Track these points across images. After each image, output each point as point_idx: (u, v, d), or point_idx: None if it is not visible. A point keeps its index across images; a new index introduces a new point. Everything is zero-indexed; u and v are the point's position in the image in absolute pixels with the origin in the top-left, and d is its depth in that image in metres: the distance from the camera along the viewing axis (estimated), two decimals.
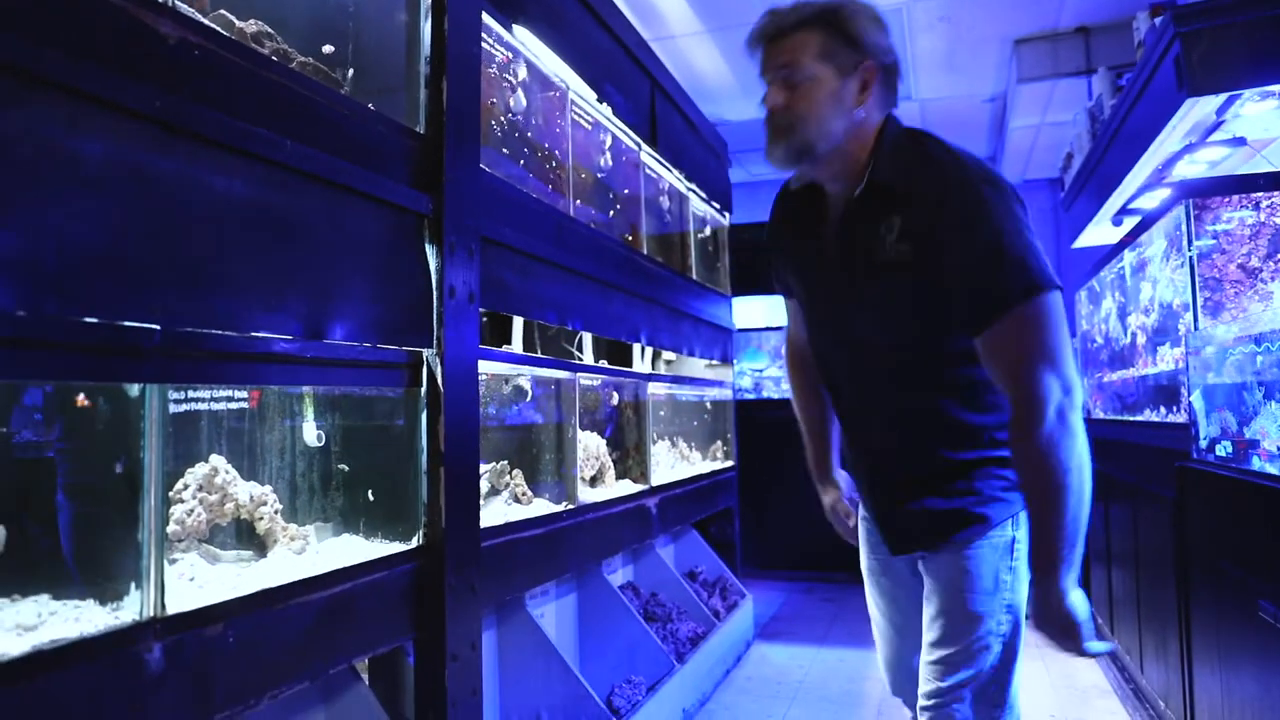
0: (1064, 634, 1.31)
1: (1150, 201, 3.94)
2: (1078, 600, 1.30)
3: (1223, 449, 2.07)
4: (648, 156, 3.59)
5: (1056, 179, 6.67)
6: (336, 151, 1.66)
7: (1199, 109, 2.69)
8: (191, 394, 1.60)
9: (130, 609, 1.26)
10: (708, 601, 3.87)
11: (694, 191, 4.17)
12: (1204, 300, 2.40)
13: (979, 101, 5.56)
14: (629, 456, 3.45)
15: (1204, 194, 2.42)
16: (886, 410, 1.51)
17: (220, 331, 1.40)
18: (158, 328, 1.29)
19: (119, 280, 1.22)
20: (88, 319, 1.18)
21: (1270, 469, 1.82)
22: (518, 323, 3.00)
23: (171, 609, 1.29)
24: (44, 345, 1.14)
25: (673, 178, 3.92)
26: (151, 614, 1.26)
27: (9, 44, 1.08)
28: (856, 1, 1.41)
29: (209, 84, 1.39)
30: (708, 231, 4.55)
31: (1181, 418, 2.51)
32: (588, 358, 3.59)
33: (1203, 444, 2.20)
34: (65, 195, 1.15)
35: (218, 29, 1.47)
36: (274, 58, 1.67)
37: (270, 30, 1.74)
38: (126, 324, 1.24)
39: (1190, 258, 2.41)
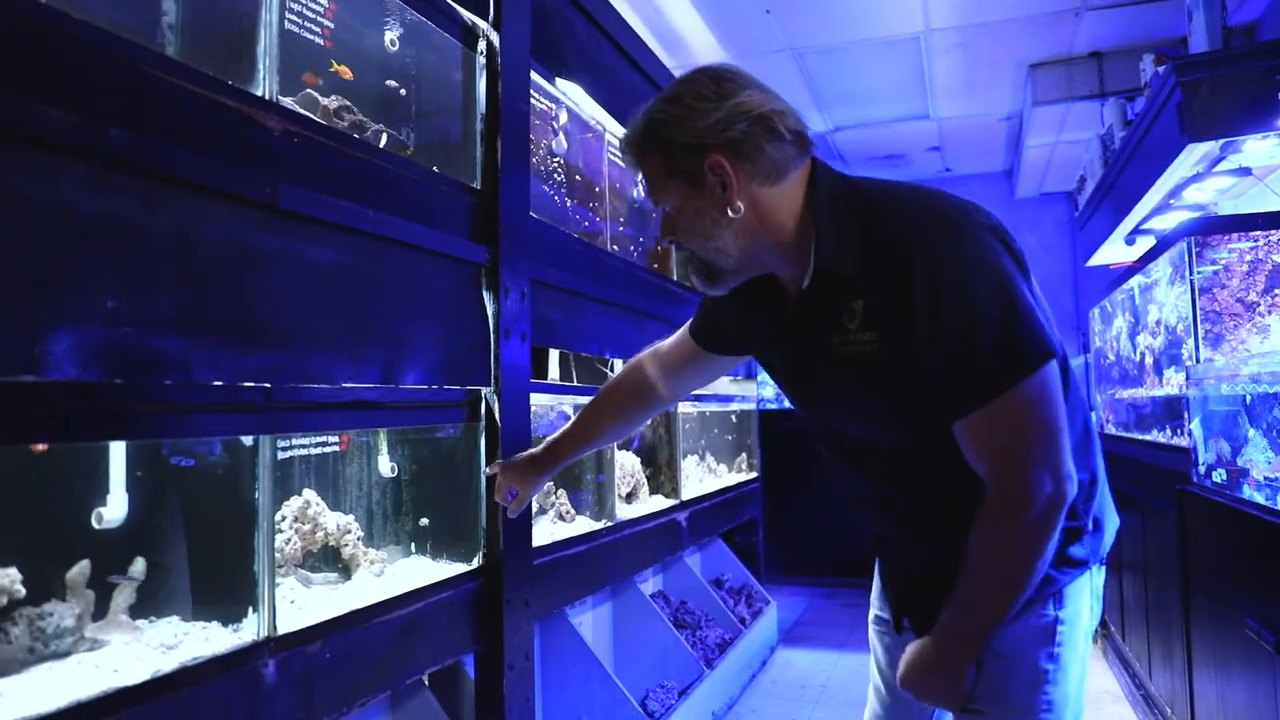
0: (940, 697, 1.24)
1: (1162, 223, 4.09)
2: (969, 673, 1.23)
3: (1218, 475, 2.24)
4: None
5: (1072, 192, 6.80)
6: (407, 214, 1.85)
7: (1202, 146, 2.85)
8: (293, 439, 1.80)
9: (249, 629, 1.46)
10: (734, 609, 4.05)
11: None
12: (1204, 332, 2.56)
13: (995, 120, 5.70)
14: (661, 472, 3.64)
15: (1206, 232, 2.57)
16: (889, 502, 1.32)
17: (316, 385, 1.59)
18: (268, 386, 1.49)
19: (239, 347, 1.42)
20: (215, 383, 1.38)
21: (1258, 498, 1.99)
22: (554, 350, 3.19)
23: (281, 629, 1.49)
24: (187, 409, 1.34)
25: None
26: (266, 634, 1.46)
27: (156, 151, 1.28)
28: (676, 89, 1.21)
29: (306, 167, 1.59)
30: None
31: (1184, 441, 2.67)
32: None
33: (1201, 469, 2.36)
34: (196, 278, 1.35)
35: (311, 116, 1.67)
36: (354, 133, 1.87)
37: (348, 103, 1.93)
38: (245, 385, 1.44)
39: (1192, 293, 2.57)
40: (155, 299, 1.27)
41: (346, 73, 1.93)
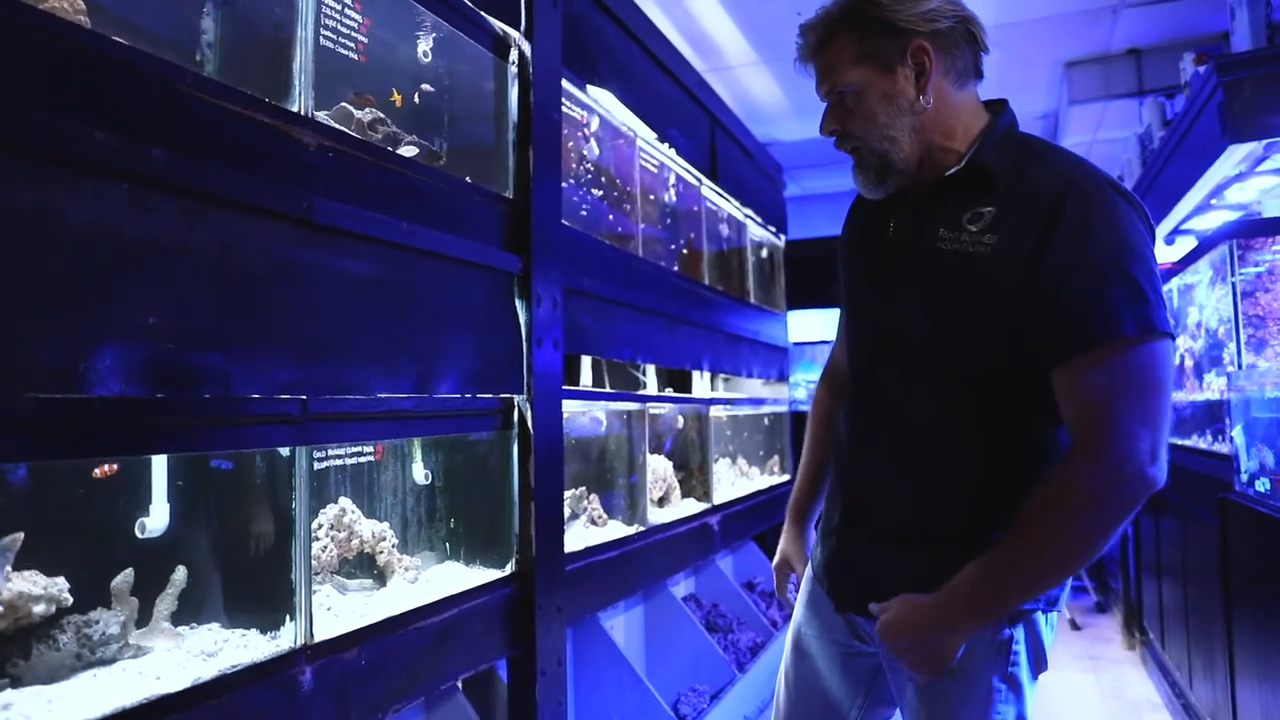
0: (922, 664, 1.17)
1: (1203, 223, 4.01)
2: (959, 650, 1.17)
3: (1261, 485, 2.19)
4: (708, 190, 3.77)
5: None
6: (441, 225, 1.87)
7: (1244, 146, 2.79)
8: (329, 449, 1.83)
9: (287, 637, 1.48)
10: (766, 612, 4.04)
11: (751, 218, 4.34)
12: (1247, 336, 2.51)
13: (1031, 119, 5.63)
14: (693, 476, 3.64)
15: (1249, 235, 2.52)
16: (906, 434, 1.27)
17: (351, 396, 1.62)
18: (304, 398, 1.51)
19: (276, 360, 1.44)
20: (253, 396, 1.41)
21: None
22: (586, 356, 3.21)
23: (318, 636, 1.51)
24: (226, 422, 1.37)
25: (731, 207, 4.09)
26: (303, 641, 1.48)
27: (195, 169, 1.30)
28: None
29: (341, 181, 1.61)
30: (764, 254, 4.72)
31: (1225, 447, 2.62)
32: (650, 380, 3.79)
33: (1244, 478, 2.32)
34: (234, 293, 1.37)
35: (346, 130, 1.69)
36: (388, 145, 1.89)
37: (382, 115, 1.95)
38: (282, 397, 1.46)
39: (1234, 297, 2.52)
40: (194, 315, 1.30)
41: (399, 100, 1.99)
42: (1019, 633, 1.22)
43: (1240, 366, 2.49)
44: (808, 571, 1.52)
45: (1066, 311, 1.07)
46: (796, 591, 1.61)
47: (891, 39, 1.18)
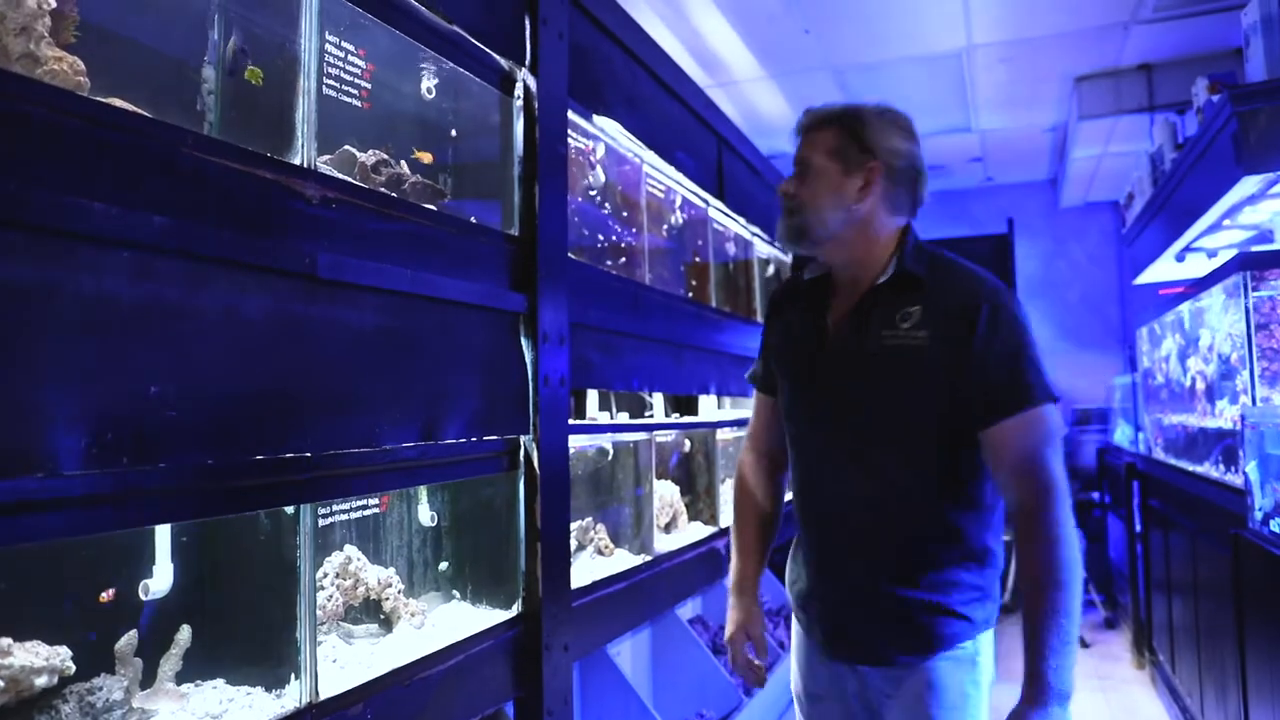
0: None
1: (1214, 241, 3.98)
2: None
3: (1277, 525, 2.17)
4: (715, 211, 3.75)
5: (1119, 203, 6.65)
6: (446, 269, 1.85)
7: (1258, 175, 2.76)
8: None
9: (291, 696, 1.47)
10: (772, 632, 4.02)
11: (758, 235, 4.32)
12: (1261, 370, 2.48)
13: (1039, 131, 5.60)
14: (700, 499, 3.63)
15: (1262, 266, 2.50)
16: (868, 493, 1.54)
17: (358, 450, 1.60)
18: (309, 455, 1.50)
19: (280, 418, 1.43)
20: (258, 457, 1.39)
21: None
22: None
23: (323, 693, 1.50)
24: (230, 487, 1.35)
25: (738, 226, 4.07)
26: (308, 700, 1.47)
27: (197, 233, 1.29)
28: (885, 110, 1.57)
29: (344, 232, 1.59)
30: (771, 270, 4.70)
31: (1237, 479, 2.60)
32: (657, 401, 3.77)
33: (1258, 515, 2.29)
34: (238, 354, 1.36)
35: (349, 180, 1.68)
36: (392, 188, 1.88)
37: (386, 156, 1.94)
38: (286, 456, 1.45)
39: (1248, 329, 2.50)
40: (197, 380, 1.29)
41: (427, 158, 1.98)
42: (978, 645, 1.53)
43: (1254, 401, 2.46)
44: (795, 631, 1.75)
45: (995, 389, 1.43)
46: (754, 654, 1.79)
47: (859, 153, 1.53)
